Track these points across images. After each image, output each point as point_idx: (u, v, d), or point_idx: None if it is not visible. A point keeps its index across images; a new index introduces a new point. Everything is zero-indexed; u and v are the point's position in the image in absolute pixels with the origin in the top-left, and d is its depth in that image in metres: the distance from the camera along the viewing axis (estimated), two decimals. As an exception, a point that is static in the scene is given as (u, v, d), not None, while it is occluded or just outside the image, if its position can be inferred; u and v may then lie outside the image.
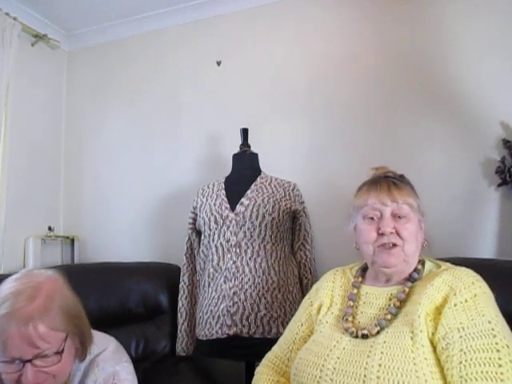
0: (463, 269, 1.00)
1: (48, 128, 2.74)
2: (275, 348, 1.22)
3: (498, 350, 0.81)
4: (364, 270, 1.17)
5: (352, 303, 1.08)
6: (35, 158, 2.61)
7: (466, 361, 0.82)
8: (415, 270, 1.05)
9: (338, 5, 2.28)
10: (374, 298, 1.06)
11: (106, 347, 1.10)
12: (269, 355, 1.22)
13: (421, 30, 2.10)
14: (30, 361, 0.92)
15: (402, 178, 1.14)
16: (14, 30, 2.35)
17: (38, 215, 2.59)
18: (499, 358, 0.80)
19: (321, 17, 2.30)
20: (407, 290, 1.01)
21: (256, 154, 1.95)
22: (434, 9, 2.08)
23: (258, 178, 1.85)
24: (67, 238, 2.67)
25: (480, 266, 1.00)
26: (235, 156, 1.94)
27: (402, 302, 1.00)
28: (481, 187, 1.91)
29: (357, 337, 0.98)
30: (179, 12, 2.56)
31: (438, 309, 0.93)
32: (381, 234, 1.02)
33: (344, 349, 0.97)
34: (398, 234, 1.02)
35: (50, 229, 2.61)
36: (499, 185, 1.87)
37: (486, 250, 1.86)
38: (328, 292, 1.16)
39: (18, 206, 2.42)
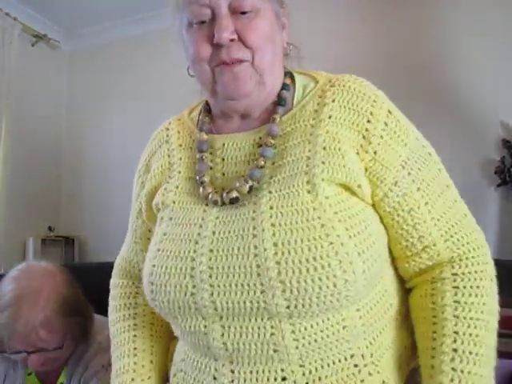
0: (349, 77, 0.68)
1: (48, 128, 2.74)
2: (122, 249, 0.87)
3: (439, 170, 0.68)
4: (208, 111, 0.75)
5: (204, 156, 0.70)
6: (36, 158, 2.61)
7: (427, 197, 0.64)
8: (283, 89, 0.69)
9: (338, 6, 2.28)
10: (235, 149, 0.69)
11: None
12: (117, 261, 0.89)
13: (422, 31, 2.10)
14: (33, 352, 0.98)
15: None
16: (14, 30, 2.35)
17: (38, 215, 2.59)
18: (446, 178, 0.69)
19: (321, 18, 2.30)
20: (279, 119, 0.66)
21: (256, 154, 1.95)
22: (435, 11, 2.08)
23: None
24: (67, 238, 2.67)
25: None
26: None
27: (278, 141, 0.65)
28: (481, 187, 1.92)
29: (224, 204, 0.64)
30: (179, 12, 2.57)
31: (354, 148, 0.63)
32: (217, 46, 0.63)
33: (215, 232, 0.62)
34: (242, 41, 0.63)
35: (50, 229, 2.62)
36: (499, 185, 1.87)
37: (486, 249, 1.86)
38: (164, 160, 0.76)
39: (18, 206, 2.42)
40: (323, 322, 0.57)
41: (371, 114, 0.63)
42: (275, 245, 0.57)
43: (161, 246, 0.66)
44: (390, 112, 0.65)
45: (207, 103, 0.75)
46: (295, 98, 0.69)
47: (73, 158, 2.80)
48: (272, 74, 0.67)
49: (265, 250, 0.57)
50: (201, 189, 0.67)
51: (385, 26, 2.17)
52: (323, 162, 0.61)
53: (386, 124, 0.63)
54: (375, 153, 0.62)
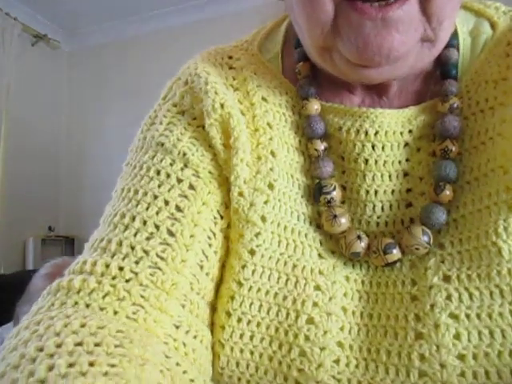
0: None
1: (48, 128, 2.74)
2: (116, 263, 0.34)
3: None
4: (304, 57, 0.40)
5: (320, 146, 0.37)
6: (35, 158, 2.61)
7: None
8: (448, 45, 0.36)
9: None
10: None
11: None
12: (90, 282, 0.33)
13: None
14: None
15: None
16: (14, 30, 2.35)
17: (38, 215, 2.59)
18: None
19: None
20: (456, 103, 0.36)
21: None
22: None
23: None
24: (67, 237, 2.67)
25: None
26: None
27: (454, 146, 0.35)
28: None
29: (369, 262, 0.36)
30: (179, 12, 2.57)
31: None
32: None
33: (347, 309, 0.35)
34: None
35: (50, 229, 2.61)
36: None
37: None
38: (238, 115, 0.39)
39: (18, 206, 2.42)
40: None
41: None
42: (461, 358, 0.30)
43: (234, 308, 0.35)
44: None
45: (299, 42, 0.41)
46: (460, 57, 0.38)
47: (73, 157, 2.80)
48: (450, 21, 0.33)
49: (442, 366, 0.30)
50: (323, 219, 0.36)
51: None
52: None
53: None
54: None
